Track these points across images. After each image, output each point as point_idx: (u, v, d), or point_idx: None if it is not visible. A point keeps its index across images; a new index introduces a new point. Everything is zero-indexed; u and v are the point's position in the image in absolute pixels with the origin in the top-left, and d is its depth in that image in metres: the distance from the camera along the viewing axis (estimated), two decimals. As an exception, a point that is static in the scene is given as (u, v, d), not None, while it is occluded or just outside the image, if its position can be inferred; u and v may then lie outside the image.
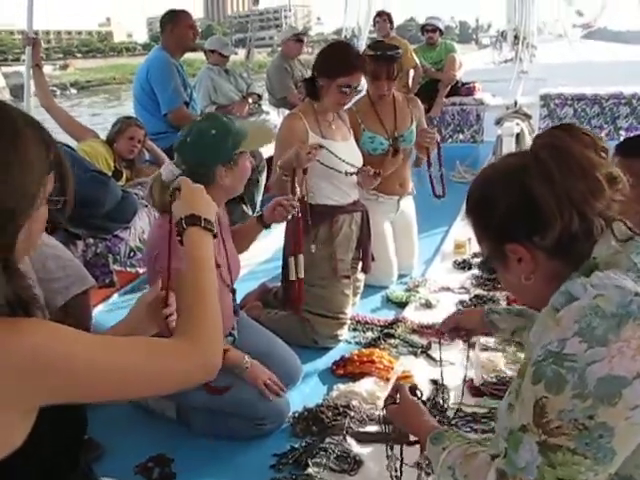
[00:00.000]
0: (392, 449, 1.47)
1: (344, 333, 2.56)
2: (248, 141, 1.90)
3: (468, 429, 1.93)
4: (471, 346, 1.70)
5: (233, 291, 2.09)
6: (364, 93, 3.06)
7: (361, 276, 2.79)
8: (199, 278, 1.03)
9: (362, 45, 7.70)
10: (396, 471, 1.50)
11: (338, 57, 2.52)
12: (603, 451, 0.79)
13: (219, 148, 1.84)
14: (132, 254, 2.72)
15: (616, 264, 0.90)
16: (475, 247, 3.48)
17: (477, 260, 3.29)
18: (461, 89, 5.97)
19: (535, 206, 0.93)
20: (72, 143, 3.12)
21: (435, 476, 1.12)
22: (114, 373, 0.86)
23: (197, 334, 0.95)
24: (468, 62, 6.89)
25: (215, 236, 1.14)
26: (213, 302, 1.01)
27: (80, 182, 2.64)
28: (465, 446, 1.04)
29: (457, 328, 1.68)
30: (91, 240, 2.52)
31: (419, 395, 1.38)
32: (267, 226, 2.18)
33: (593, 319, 0.81)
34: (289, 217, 2.15)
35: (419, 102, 3.23)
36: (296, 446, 1.88)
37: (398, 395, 1.35)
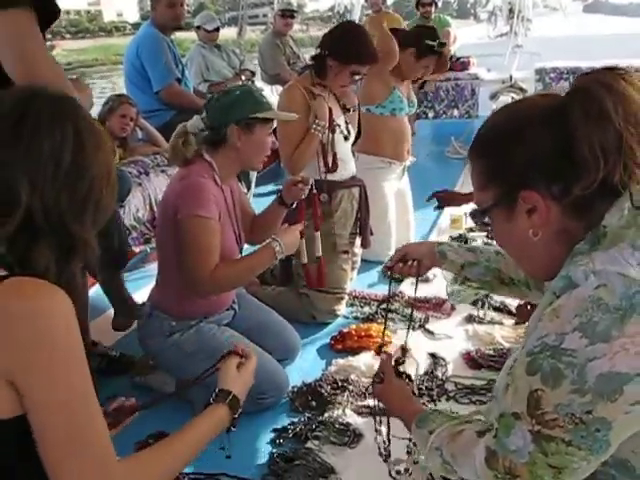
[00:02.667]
0: (380, 424, 1.47)
1: (342, 308, 2.56)
2: (268, 113, 1.90)
3: (466, 401, 1.94)
4: (421, 277, 1.62)
5: None
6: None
7: (358, 251, 2.78)
8: (187, 446, 1.05)
9: (357, 19, 7.63)
10: (384, 443, 1.51)
11: (357, 44, 2.47)
12: (599, 443, 0.77)
13: (235, 107, 1.87)
14: (127, 232, 2.70)
15: (624, 239, 0.82)
16: (471, 222, 3.48)
17: (473, 235, 3.29)
18: (455, 64, 5.91)
19: (575, 149, 0.82)
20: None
21: (423, 458, 1.11)
22: (74, 403, 0.84)
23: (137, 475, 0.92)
24: (463, 36, 6.82)
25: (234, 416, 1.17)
26: (177, 470, 1.03)
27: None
28: (451, 426, 1.01)
29: (405, 259, 1.57)
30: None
31: (405, 375, 1.38)
32: (289, 205, 2.15)
33: (595, 313, 0.76)
34: (304, 195, 2.11)
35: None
36: (295, 421, 1.89)
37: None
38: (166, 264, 2.00)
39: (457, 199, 2.73)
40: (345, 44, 2.49)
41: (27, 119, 0.86)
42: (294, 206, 2.17)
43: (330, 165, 2.51)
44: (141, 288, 2.68)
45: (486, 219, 0.95)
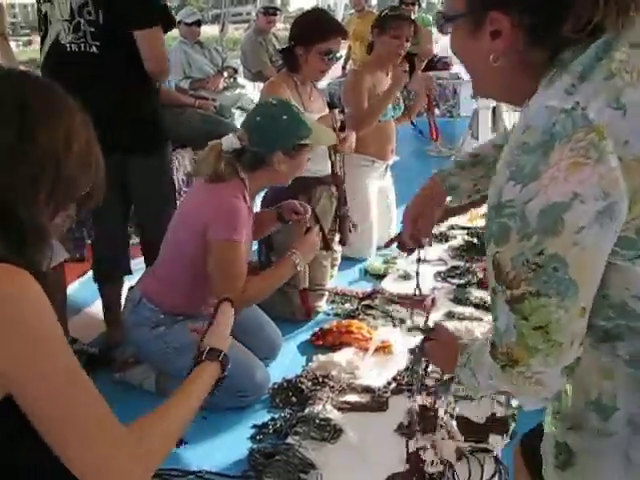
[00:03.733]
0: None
1: (322, 305, 2.56)
2: (313, 136, 1.94)
3: (446, 396, 1.95)
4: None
5: None
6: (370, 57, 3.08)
7: (338, 248, 2.78)
8: (185, 408, 1.04)
9: (340, 14, 7.64)
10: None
11: (314, 22, 2.49)
12: (564, 284, 0.74)
13: (286, 135, 1.90)
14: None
15: (575, 73, 0.75)
16: (452, 220, 3.50)
17: (454, 232, 3.31)
18: (437, 63, 5.95)
19: None
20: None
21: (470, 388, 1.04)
22: (66, 388, 0.82)
23: (151, 444, 0.91)
24: (444, 37, 6.85)
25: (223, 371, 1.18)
26: (179, 431, 1.01)
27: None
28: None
29: (416, 235, 1.40)
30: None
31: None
32: (286, 222, 2.19)
33: (521, 158, 0.74)
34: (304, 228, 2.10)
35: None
36: (276, 416, 1.88)
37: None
38: (176, 263, 1.98)
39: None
40: (303, 25, 2.51)
41: None
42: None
43: None
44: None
45: (449, 29, 0.89)
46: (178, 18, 4.48)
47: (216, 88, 4.43)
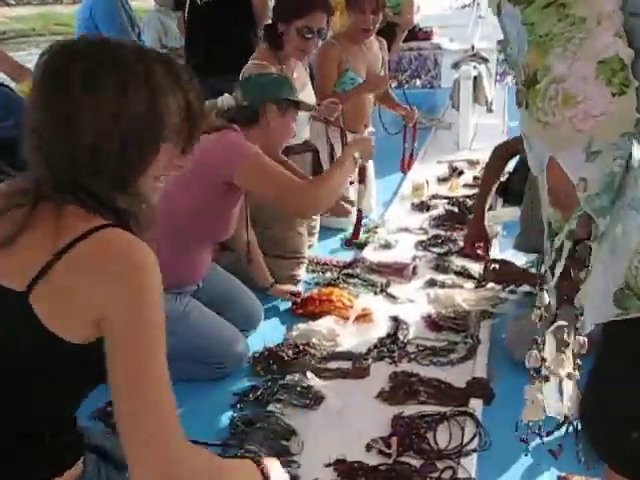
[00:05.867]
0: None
1: (302, 273, 2.53)
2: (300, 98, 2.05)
3: (427, 362, 1.95)
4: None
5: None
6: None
7: (316, 217, 2.74)
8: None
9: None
10: None
11: None
12: None
13: (275, 87, 1.97)
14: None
15: None
16: (433, 189, 3.49)
17: (435, 202, 3.30)
18: (418, 33, 5.88)
19: None
20: (9, 83, 2.93)
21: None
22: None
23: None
24: (426, 7, 6.77)
25: None
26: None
27: (22, 124, 2.48)
28: None
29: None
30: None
31: None
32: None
33: None
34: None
35: (386, 45, 3.21)
36: (256, 385, 1.87)
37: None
38: (166, 229, 1.90)
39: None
40: (283, 1, 2.44)
41: None
42: None
43: None
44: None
45: None
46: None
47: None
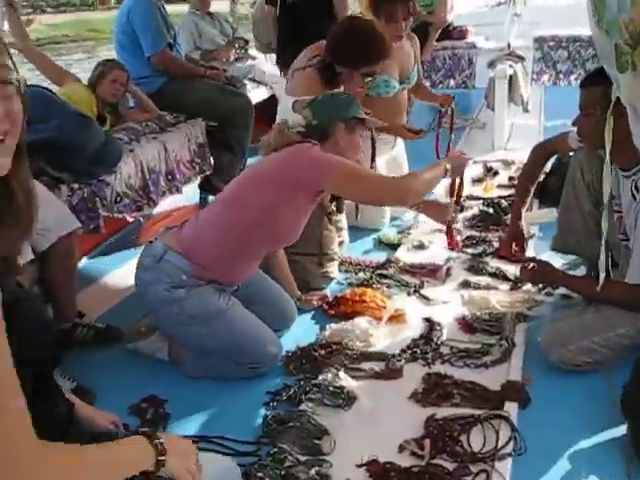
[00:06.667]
0: None
1: (334, 270, 2.52)
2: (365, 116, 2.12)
3: (461, 364, 1.93)
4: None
5: None
6: None
7: (341, 216, 2.72)
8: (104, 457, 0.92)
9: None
10: None
11: (362, 45, 2.38)
12: None
13: (345, 107, 2.06)
14: (119, 199, 2.65)
15: None
16: (467, 190, 3.45)
17: (469, 203, 3.27)
18: (452, 32, 5.79)
19: None
20: (53, 88, 3.02)
21: None
22: None
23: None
24: (460, 5, 6.70)
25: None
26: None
27: (62, 125, 2.54)
28: None
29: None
30: (76, 185, 2.44)
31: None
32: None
33: None
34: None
35: (417, 39, 3.18)
36: (289, 384, 1.88)
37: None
38: (231, 229, 1.93)
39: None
40: (349, 48, 2.39)
41: None
42: None
43: None
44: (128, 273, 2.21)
45: None
46: (189, -12, 4.43)
47: (227, 59, 4.38)
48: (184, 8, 4.96)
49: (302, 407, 1.76)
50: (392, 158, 3.19)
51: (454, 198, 2.28)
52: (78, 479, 0.87)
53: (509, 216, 3.01)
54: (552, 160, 2.66)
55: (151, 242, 1.99)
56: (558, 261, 2.36)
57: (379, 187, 1.97)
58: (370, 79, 2.49)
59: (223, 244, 1.93)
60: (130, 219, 2.84)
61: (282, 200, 1.92)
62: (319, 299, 2.36)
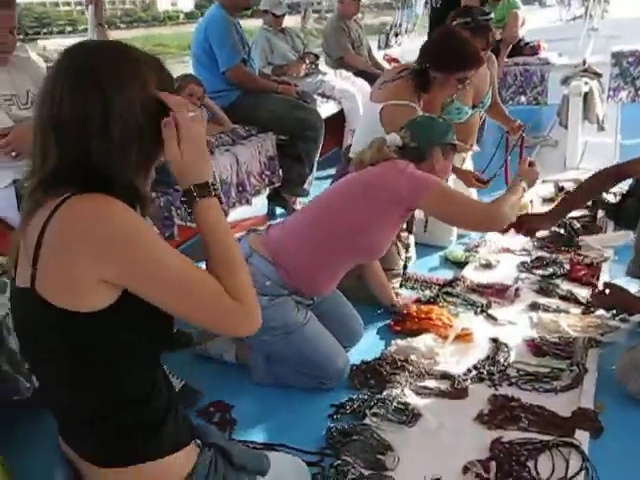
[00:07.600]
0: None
1: (397, 285, 2.54)
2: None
3: (529, 387, 1.89)
4: None
5: None
6: None
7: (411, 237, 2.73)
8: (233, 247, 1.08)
9: (419, 7, 7.44)
10: None
11: (458, 50, 2.44)
12: None
13: (444, 132, 2.11)
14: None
15: None
16: (537, 208, 3.37)
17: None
18: (524, 48, 5.70)
19: None
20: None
21: None
22: (173, 273, 0.94)
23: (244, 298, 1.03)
24: (532, 20, 6.58)
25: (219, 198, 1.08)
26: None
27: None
28: None
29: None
30: (153, 194, 2.56)
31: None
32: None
33: None
34: None
35: (494, 58, 3.16)
36: (354, 397, 1.89)
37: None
38: (321, 244, 1.96)
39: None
40: (446, 52, 2.45)
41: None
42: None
43: None
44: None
45: None
46: (264, 7, 4.55)
47: (297, 74, 4.47)
48: (258, 22, 5.10)
49: (366, 421, 1.78)
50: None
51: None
52: None
53: (581, 237, 2.94)
54: (630, 181, 2.57)
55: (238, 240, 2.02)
56: (634, 287, 2.27)
57: (472, 212, 2.00)
58: (461, 86, 2.51)
59: (312, 251, 1.95)
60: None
61: (376, 213, 1.95)
62: (412, 301, 2.41)
